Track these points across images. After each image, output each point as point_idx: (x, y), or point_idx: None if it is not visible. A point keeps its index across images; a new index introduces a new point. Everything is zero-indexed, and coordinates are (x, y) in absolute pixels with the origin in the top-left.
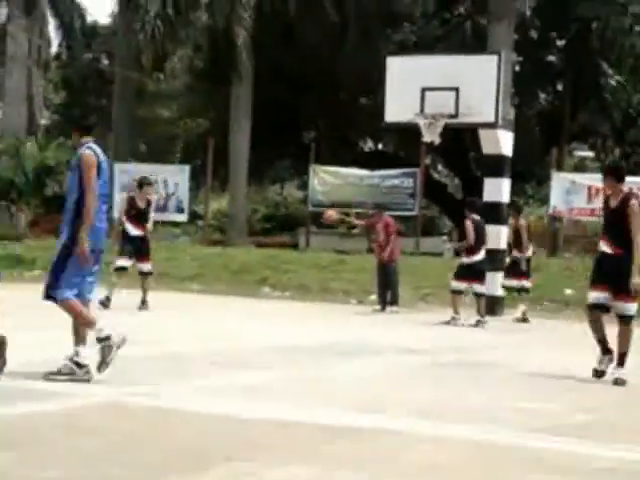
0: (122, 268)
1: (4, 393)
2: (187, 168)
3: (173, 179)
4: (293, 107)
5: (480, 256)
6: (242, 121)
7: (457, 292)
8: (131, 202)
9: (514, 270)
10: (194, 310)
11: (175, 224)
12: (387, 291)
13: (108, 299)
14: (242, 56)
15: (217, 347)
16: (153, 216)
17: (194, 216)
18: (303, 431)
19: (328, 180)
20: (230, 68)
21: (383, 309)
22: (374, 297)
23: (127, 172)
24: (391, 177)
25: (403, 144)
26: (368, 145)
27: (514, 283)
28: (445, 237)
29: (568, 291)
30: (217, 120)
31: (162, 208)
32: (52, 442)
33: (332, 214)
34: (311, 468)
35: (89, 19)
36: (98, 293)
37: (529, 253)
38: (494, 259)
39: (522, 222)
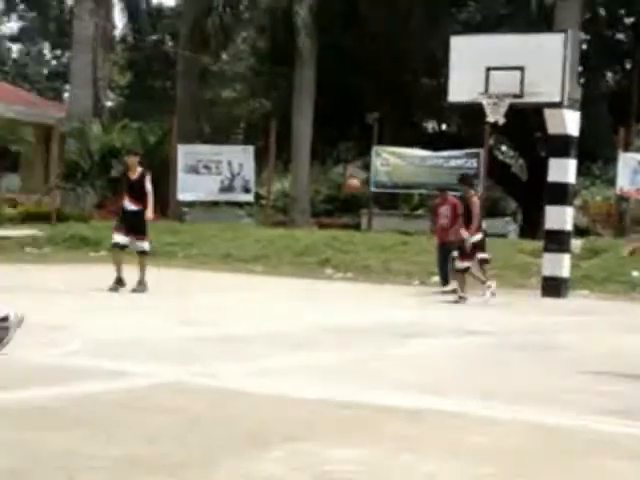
0: (117, 244)
1: (72, 372)
2: (251, 148)
3: (237, 160)
4: (356, 88)
5: (481, 234)
6: (305, 102)
7: (463, 271)
8: (125, 175)
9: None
10: (257, 291)
11: (239, 205)
12: (446, 271)
13: (120, 280)
14: (303, 37)
15: (278, 328)
16: (149, 190)
17: (257, 197)
18: (364, 412)
19: (391, 161)
20: (292, 50)
21: (445, 287)
22: (437, 278)
23: (191, 154)
24: (454, 158)
25: (467, 124)
26: (431, 126)
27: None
28: (508, 218)
29: (635, 273)
30: (280, 101)
31: (227, 188)
32: (117, 421)
33: (354, 182)
34: (373, 450)
35: (154, 1)
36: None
37: (478, 236)
38: (560, 240)
39: (474, 199)
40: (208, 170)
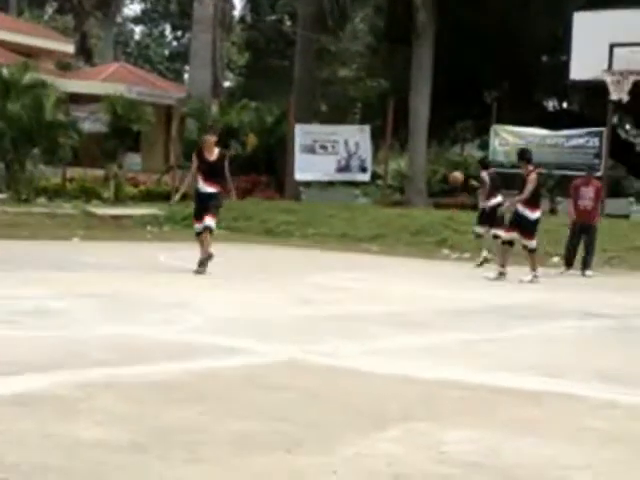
0: (200, 233)
1: (191, 349)
2: (368, 128)
3: (354, 139)
4: (474, 66)
5: (497, 200)
6: (422, 81)
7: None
8: (199, 155)
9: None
10: (372, 271)
11: (355, 185)
12: (575, 254)
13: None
14: (421, 15)
15: (394, 308)
16: (228, 175)
17: (373, 177)
18: (481, 394)
19: (509, 140)
20: (410, 28)
21: (568, 269)
22: (556, 259)
23: (309, 133)
24: (575, 137)
25: (589, 103)
26: (552, 104)
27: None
28: (632, 199)
29: None
30: (397, 80)
31: (344, 168)
32: (235, 397)
33: (457, 176)
34: (492, 432)
35: None
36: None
37: (491, 202)
38: None
39: (533, 175)
40: (325, 150)
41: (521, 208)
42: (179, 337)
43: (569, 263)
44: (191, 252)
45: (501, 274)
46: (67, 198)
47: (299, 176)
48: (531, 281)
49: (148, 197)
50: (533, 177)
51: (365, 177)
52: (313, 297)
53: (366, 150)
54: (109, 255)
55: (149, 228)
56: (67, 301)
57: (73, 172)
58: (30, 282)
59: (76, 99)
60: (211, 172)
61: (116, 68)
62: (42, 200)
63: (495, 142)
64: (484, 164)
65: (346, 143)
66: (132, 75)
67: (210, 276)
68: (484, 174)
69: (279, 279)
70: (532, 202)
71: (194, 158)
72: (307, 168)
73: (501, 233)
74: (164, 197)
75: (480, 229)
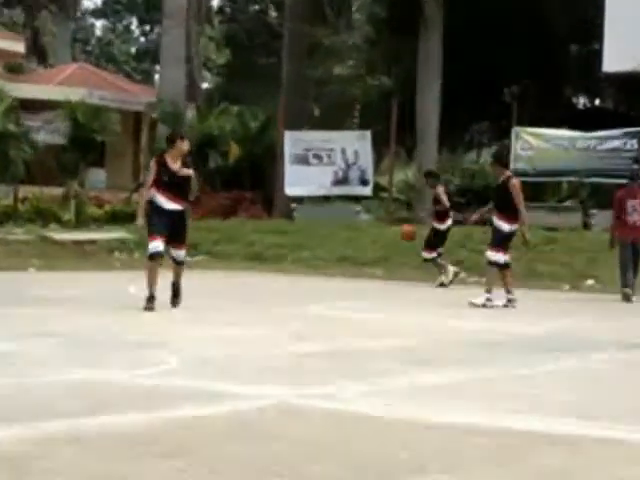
0: (158, 254)
1: (167, 395)
2: (368, 134)
3: (352, 147)
4: (491, 60)
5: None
6: (431, 78)
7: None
8: (161, 163)
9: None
10: (377, 299)
11: (355, 200)
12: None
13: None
14: (429, 1)
15: (401, 341)
16: (195, 187)
17: (376, 190)
18: (507, 440)
19: (533, 144)
20: (415, 16)
21: (628, 298)
22: (590, 282)
23: (300, 141)
24: (610, 138)
25: (625, 98)
26: (582, 101)
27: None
28: None
29: None
30: (402, 77)
31: (342, 181)
32: (221, 450)
33: (409, 230)
34: None
35: None
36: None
37: (447, 223)
38: None
39: (514, 181)
40: (319, 160)
41: (497, 219)
42: (152, 382)
43: (626, 285)
44: (165, 282)
45: (509, 301)
46: (20, 222)
47: (290, 191)
48: (506, 305)
49: (115, 219)
50: (515, 183)
51: (366, 190)
52: (308, 331)
53: (367, 159)
54: (71, 287)
55: (117, 255)
56: (21, 342)
57: (26, 191)
58: None
59: (28, 106)
60: (175, 185)
61: (75, 69)
62: None
63: (517, 146)
64: (436, 175)
65: (344, 152)
66: (94, 77)
67: (188, 309)
68: (440, 190)
69: (268, 311)
70: (509, 213)
71: (153, 165)
72: (299, 182)
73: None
74: (133, 218)
75: (428, 254)
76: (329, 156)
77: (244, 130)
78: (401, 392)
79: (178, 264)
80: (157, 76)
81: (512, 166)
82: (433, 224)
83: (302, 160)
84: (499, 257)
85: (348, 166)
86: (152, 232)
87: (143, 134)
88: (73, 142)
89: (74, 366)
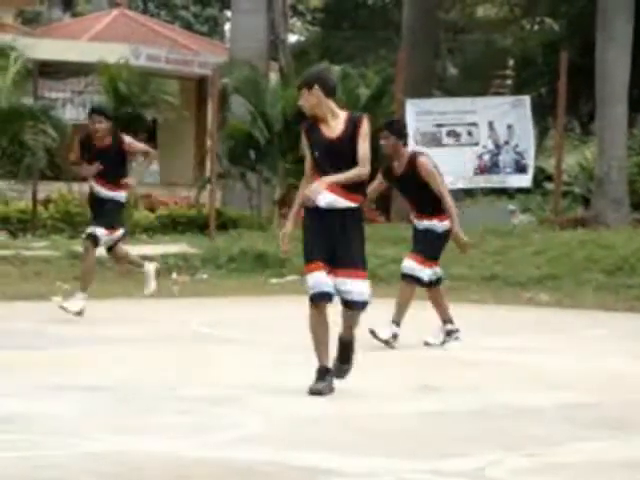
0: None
1: (241, 473)
2: (527, 100)
3: (504, 120)
4: None
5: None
6: (617, 18)
7: None
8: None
9: None
10: (539, 335)
11: (508, 193)
12: None
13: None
14: None
15: (575, 396)
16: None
17: (538, 180)
18: None
19: None
20: None
21: None
22: None
23: (429, 113)
24: None
25: None
26: None
27: None
28: None
29: None
30: (574, 19)
31: (489, 167)
32: None
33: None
34: None
35: None
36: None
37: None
38: None
39: (422, 159)
40: (456, 139)
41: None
42: (221, 455)
43: None
44: (244, 314)
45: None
46: (41, 232)
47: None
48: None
49: (173, 227)
50: (427, 167)
51: (524, 181)
52: (440, 379)
53: (525, 136)
54: (110, 322)
55: (175, 276)
56: (40, 400)
57: (49, 190)
58: None
59: (50, 70)
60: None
61: (114, 18)
62: (1, 237)
63: None
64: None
65: (491, 127)
66: (141, 29)
67: (278, 349)
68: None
69: (385, 349)
70: (438, 206)
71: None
72: None
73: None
74: (199, 226)
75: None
76: (470, 133)
77: (350, 98)
78: (577, 469)
79: (352, 307)
80: (228, 26)
81: None
82: None
83: (431, 140)
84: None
85: (498, 147)
86: (308, 257)
87: (209, 108)
88: (113, 121)
89: (108, 433)
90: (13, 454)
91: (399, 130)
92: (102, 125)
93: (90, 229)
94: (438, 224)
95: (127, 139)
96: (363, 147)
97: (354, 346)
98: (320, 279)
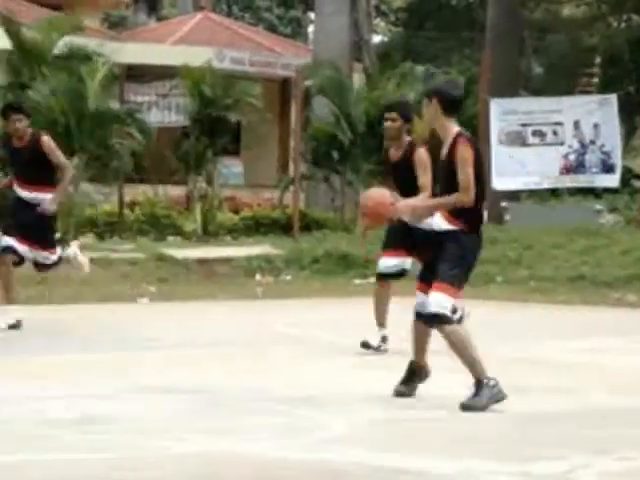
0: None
1: (332, 473)
2: (614, 99)
3: (590, 119)
4: None
5: None
6: None
7: None
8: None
9: None
10: (630, 336)
11: (595, 193)
12: None
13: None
14: None
15: None
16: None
17: (626, 179)
18: None
19: None
20: None
21: None
22: None
23: (513, 112)
24: None
25: None
26: None
27: None
28: None
29: None
30: None
31: (575, 167)
32: None
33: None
34: None
35: None
36: None
37: None
38: None
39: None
40: (541, 138)
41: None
42: (305, 456)
43: None
44: (328, 316)
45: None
46: (127, 234)
47: (499, 184)
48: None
49: (257, 228)
50: (421, 155)
51: (612, 180)
52: (528, 381)
53: (612, 136)
54: (196, 324)
55: (259, 277)
56: (125, 401)
57: (135, 192)
58: (66, 371)
59: (136, 74)
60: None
61: (198, 22)
62: (87, 239)
63: None
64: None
65: (577, 126)
66: (225, 32)
67: (353, 349)
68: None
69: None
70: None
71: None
72: (512, 170)
73: None
74: (283, 227)
75: None
76: (556, 132)
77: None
78: None
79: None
80: (311, 28)
81: None
82: None
83: (516, 139)
84: None
85: (584, 146)
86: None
87: (293, 109)
88: (197, 123)
89: (193, 433)
90: (94, 455)
91: (407, 114)
92: (22, 124)
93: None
94: None
95: (46, 139)
96: (462, 173)
97: None
98: None
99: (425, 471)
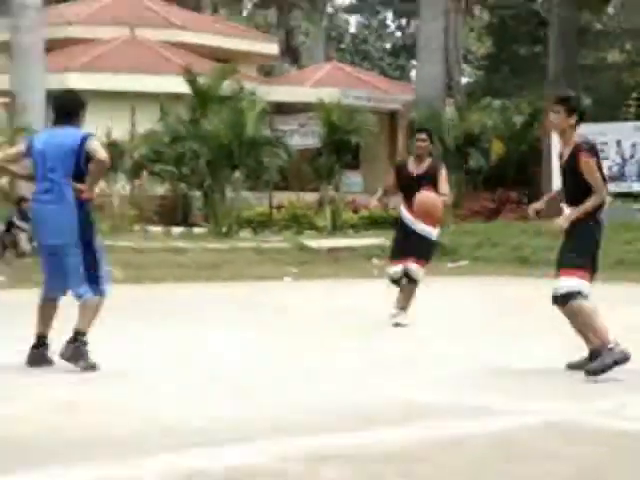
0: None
1: (427, 409)
2: None
3: (629, 140)
4: None
5: None
6: None
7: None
8: None
9: None
10: None
11: (634, 197)
12: None
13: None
14: None
15: None
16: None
17: None
18: None
19: None
20: None
21: None
22: None
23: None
24: None
25: None
26: None
27: None
28: None
29: None
30: None
31: (618, 177)
32: (485, 469)
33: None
34: None
35: None
36: None
37: None
38: None
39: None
40: None
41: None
42: (412, 395)
43: None
44: (427, 291)
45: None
46: (275, 229)
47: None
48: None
49: (372, 225)
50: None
51: None
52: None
53: None
54: (331, 296)
55: (375, 261)
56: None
57: (281, 197)
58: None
59: (282, 109)
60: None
61: (329, 69)
62: (245, 233)
63: None
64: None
65: (619, 144)
66: (348, 76)
67: (443, 323)
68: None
69: (541, 321)
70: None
71: None
72: None
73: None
74: (391, 223)
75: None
76: (602, 150)
77: (508, 126)
78: None
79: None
80: (414, 72)
81: None
82: None
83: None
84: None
85: (624, 160)
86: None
87: (399, 135)
88: (327, 145)
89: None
90: (285, 398)
91: (431, 136)
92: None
93: None
94: (432, 231)
95: None
96: (592, 179)
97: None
98: None
99: (503, 408)
